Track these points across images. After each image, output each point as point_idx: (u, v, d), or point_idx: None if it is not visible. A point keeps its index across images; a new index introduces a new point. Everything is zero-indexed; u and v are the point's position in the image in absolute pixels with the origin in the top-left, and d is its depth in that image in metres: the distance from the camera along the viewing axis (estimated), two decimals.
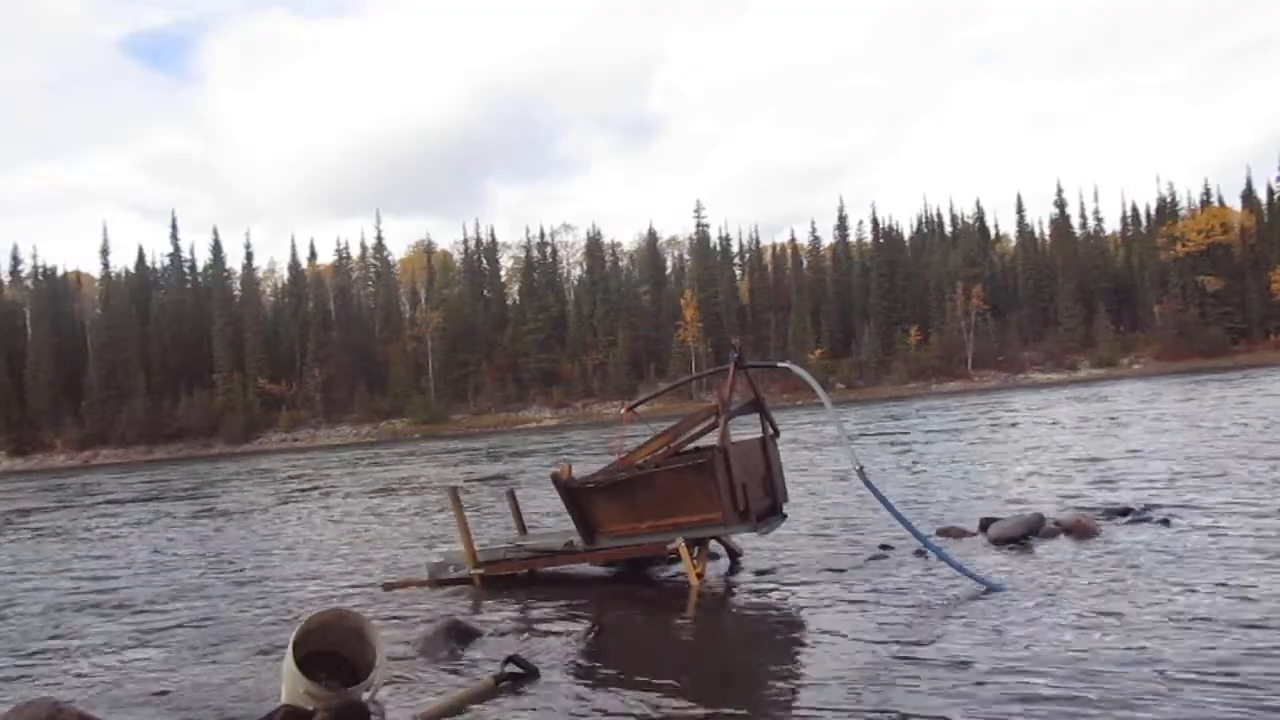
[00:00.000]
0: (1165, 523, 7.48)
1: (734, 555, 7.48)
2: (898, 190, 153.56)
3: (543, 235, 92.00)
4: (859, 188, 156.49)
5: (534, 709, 4.36)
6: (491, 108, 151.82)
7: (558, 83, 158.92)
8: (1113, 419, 21.56)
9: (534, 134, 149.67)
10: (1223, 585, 5.40)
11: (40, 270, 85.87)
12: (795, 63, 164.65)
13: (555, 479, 7.03)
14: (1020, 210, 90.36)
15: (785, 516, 7.55)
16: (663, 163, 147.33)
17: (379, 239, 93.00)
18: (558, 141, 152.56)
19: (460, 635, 5.62)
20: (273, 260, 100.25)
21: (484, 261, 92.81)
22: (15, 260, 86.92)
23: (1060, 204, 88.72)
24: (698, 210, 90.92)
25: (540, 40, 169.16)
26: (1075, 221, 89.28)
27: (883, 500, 6.44)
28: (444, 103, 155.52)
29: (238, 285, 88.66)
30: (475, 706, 4.42)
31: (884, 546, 7.40)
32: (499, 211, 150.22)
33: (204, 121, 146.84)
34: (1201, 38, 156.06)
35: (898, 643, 4.86)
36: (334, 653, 4.55)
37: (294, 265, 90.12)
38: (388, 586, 7.72)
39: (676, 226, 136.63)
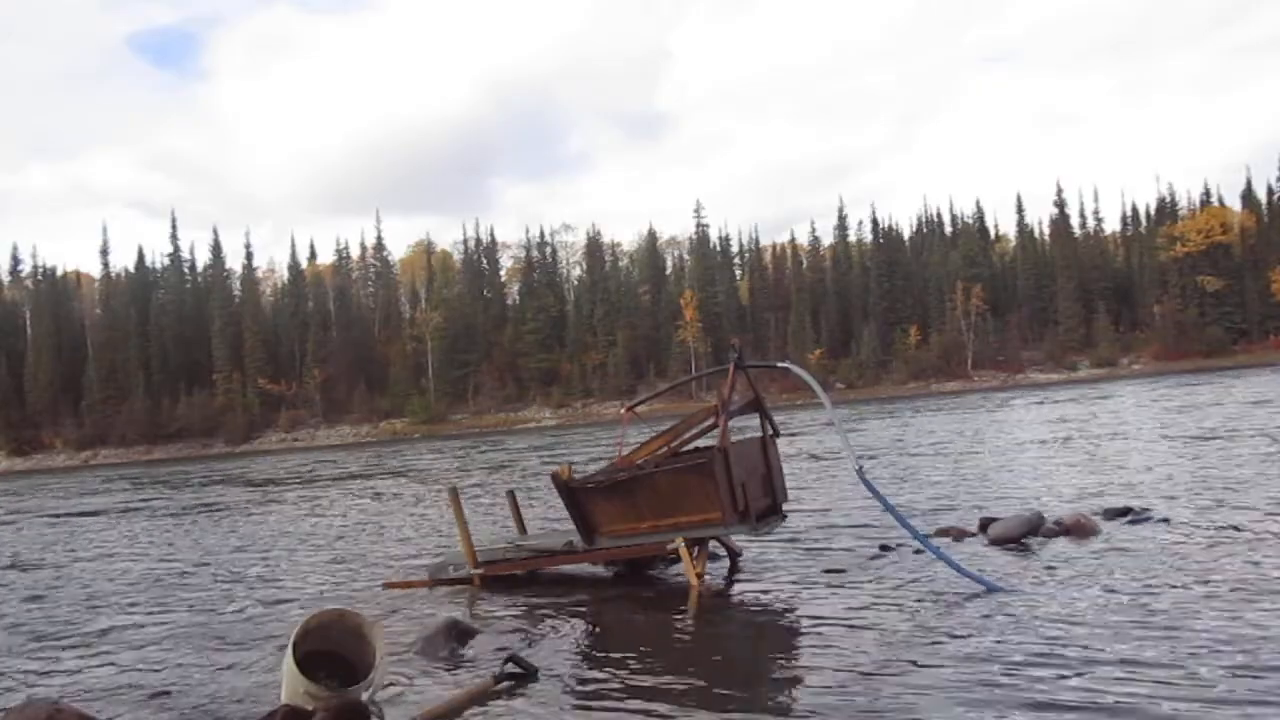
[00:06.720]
0: (1165, 522, 7.49)
1: (734, 555, 7.48)
2: (900, 190, 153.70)
3: (543, 235, 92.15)
4: (860, 187, 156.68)
5: (534, 709, 4.36)
6: (497, 105, 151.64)
7: (564, 80, 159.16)
8: (1112, 419, 21.57)
9: (539, 132, 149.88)
10: (1223, 584, 5.40)
11: (40, 270, 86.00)
12: (799, 61, 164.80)
13: (555, 479, 7.02)
14: (1020, 210, 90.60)
15: (785, 516, 7.55)
16: (665, 161, 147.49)
17: (379, 239, 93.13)
18: (562, 140, 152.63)
19: (460, 635, 5.62)
20: (273, 260, 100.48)
21: (484, 261, 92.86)
22: (15, 260, 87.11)
23: (1060, 204, 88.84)
24: (698, 210, 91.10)
25: (547, 37, 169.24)
26: (1075, 221, 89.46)
27: (882, 500, 6.43)
28: (450, 100, 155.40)
29: (238, 285, 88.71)
30: (475, 706, 4.42)
31: (884, 546, 7.41)
32: (503, 210, 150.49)
33: (208, 119, 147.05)
34: (1202, 38, 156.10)
35: (896, 643, 4.86)
36: (334, 652, 4.54)
37: (294, 265, 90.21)
38: (388, 586, 7.72)
39: (677, 226, 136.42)
